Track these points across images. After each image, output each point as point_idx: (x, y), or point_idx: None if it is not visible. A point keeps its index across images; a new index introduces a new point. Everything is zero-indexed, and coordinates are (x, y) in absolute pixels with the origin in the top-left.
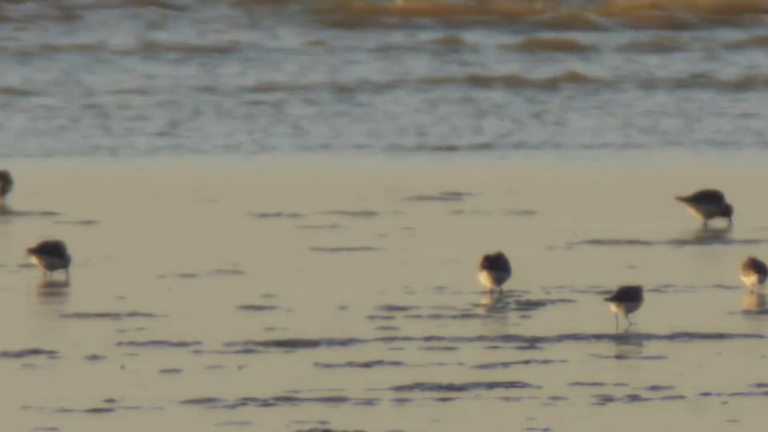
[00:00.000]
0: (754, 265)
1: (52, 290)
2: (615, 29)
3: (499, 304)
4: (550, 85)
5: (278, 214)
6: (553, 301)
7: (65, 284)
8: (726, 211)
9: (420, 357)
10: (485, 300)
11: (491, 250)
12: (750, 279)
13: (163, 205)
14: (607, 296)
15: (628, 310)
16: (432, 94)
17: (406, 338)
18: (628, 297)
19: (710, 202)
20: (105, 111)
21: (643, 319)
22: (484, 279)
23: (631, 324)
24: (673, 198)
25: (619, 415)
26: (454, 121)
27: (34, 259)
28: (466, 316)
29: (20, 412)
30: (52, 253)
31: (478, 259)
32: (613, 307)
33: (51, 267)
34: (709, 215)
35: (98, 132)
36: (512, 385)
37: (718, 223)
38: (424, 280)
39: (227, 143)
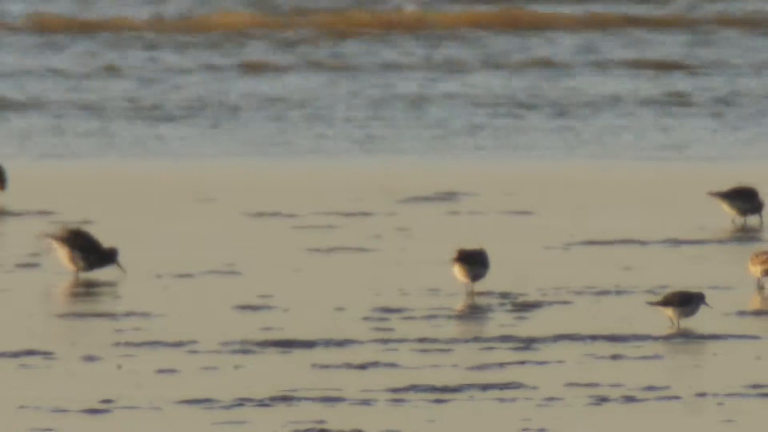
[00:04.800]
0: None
1: (49, 290)
2: None
3: (494, 305)
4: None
5: (274, 215)
6: (549, 302)
7: (62, 284)
8: (758, 208)
9: (415, 358)
10: (480, 301)
11: (467, 246)
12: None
13: (159, 205)
14: (654, 300)
15: (682, 315)
16: None
17: (401, 339)
18: (680, 302)
19: (744, 199)
20: (103, 112)
21: (638, 319)
22: (457, 272)
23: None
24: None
25: (615, 416)
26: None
27: (60, 252)
28: (461, 317)
29: (16, 412)
30: (87, 248)
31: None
32: (668, 312)
33: (88, 265)
34: (743, 212)
35: (96, 132)
36: (507, 386)
37: (752, 220)
38: (419, 281)
39: (225, 144)
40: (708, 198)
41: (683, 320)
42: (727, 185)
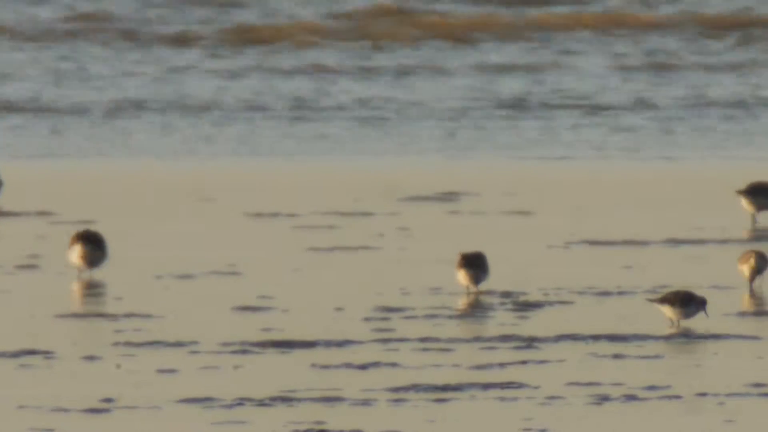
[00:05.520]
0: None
1: (49, 290)
2: None
3: (495, 305)
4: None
5: (275, 215)
6: (550, 302)
7: (62, 284)
8: None
9: (416, 357)
10: (481, 300)
11: (469, 250)
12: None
13: (160, 205)
14: (652, 297)
15: (681, 315)
16: None
17: (402, 339)
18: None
19: (765, 195)
20: (109, 112)
21: (639, 319)
22: (461, 278)
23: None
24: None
25: (616, 415)
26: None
27: (77, 251)
28: (462, 316)
29: (16, 412)
30: (97, 244)
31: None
32: (666, 309)
33: (93, 262)
34: (762, 208)
35: (96, 132)
36: (509, 385)
37: (762, 217)
38: (420, 280)
39: (225, 145)
40: (709, 197)
41: (682, 321)
42: (727, 185)
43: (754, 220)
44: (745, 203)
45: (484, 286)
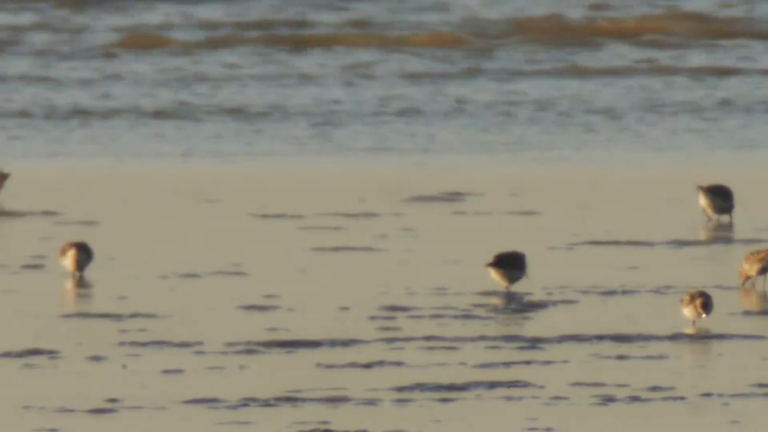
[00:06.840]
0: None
1: (54, 290)
2: None
3: (500, 305)
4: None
5: (280, 215)
6: (554, 302)
7: (66, 284)
8: (732, 207)
9: (421, 357)
10: (486, 300)
11: (504, 249)
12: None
13: (164, 205)
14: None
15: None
16: None
17: (407, 338)
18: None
19: (723, 197)
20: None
21: (643, 319)
22: (494, 275)
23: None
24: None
25: (620, 416)
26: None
27: (69, 257)
28: (467, 316)
29: (21, 412)
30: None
31: (480, 260)
32: (690, 313)
33: (81, 266)
34: (720, 210)
35: (106, 133)
36: (513, 385)
37: (724, 219)
38: (425, 280)
39: (228, 144)
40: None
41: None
42: (730, 185)
43: (718, 219)
44: (704, 203)
45: (486, 281)
